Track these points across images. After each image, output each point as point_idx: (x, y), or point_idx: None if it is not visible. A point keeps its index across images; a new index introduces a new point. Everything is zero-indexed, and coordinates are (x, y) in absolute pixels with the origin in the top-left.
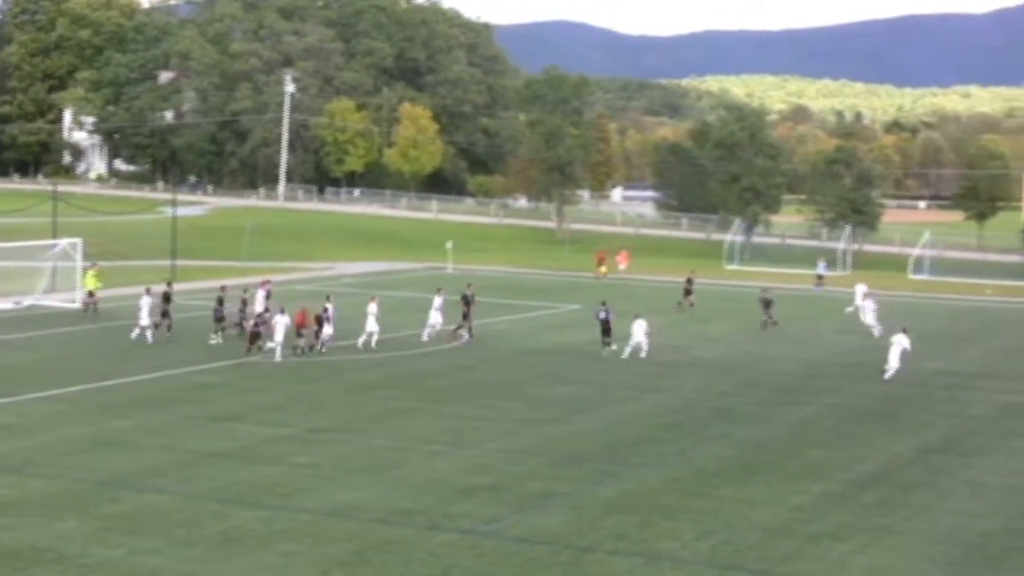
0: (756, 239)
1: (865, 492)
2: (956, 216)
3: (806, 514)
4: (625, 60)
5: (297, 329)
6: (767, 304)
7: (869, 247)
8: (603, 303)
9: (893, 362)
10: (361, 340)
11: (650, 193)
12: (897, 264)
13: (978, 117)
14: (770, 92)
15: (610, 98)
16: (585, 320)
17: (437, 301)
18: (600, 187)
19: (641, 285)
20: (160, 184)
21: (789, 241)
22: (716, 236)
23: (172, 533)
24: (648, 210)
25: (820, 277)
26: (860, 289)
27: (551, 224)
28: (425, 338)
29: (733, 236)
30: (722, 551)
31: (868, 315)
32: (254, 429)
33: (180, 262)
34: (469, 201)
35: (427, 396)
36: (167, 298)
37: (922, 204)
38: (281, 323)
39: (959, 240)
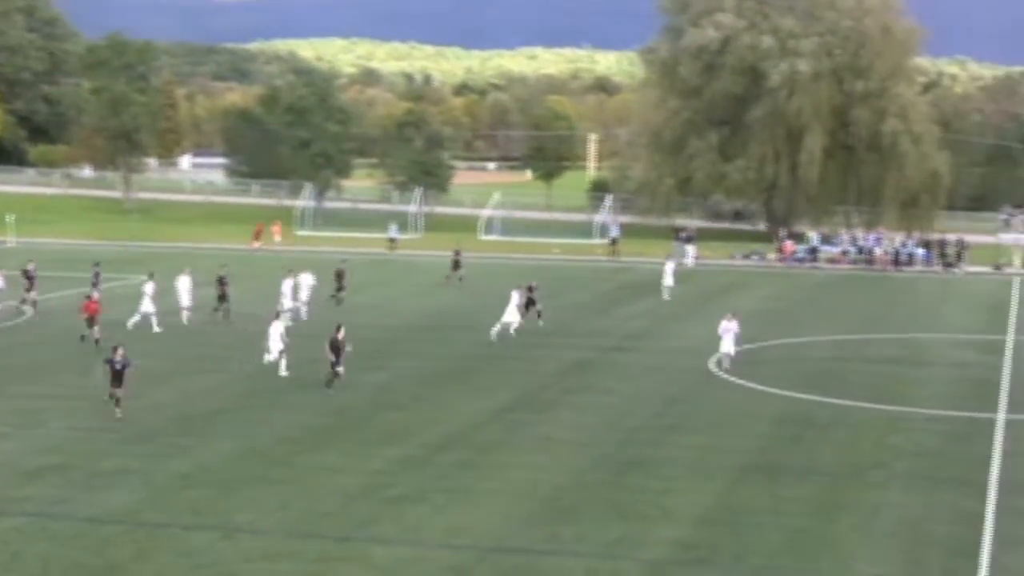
0: (328, 204)
1: (442, 454)
2: (525, 177)
3: (384, 478)
4: (191, 24)
5: None
6: (340, 276)
7: (441, 209)
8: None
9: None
10: None
11: (220, 160)
12: (468, 226)
13: (544, 79)
14: (339, 55)
15: (177, 63)
16: (164, 290)
17: None
18: (168, 155)
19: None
20: None
21: (361, 205)
22: (288, 202)
23: None
24: (218, 177)
25: (392, 240)
26: (669, 267)
27: (118, 194)
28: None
29: (304, 202)
30: (301, 520)
31: (667, 277)
32: None
33: None
34: (30, 172)
35: None
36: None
37: (492, 165)
38: None
39: (528, 200)
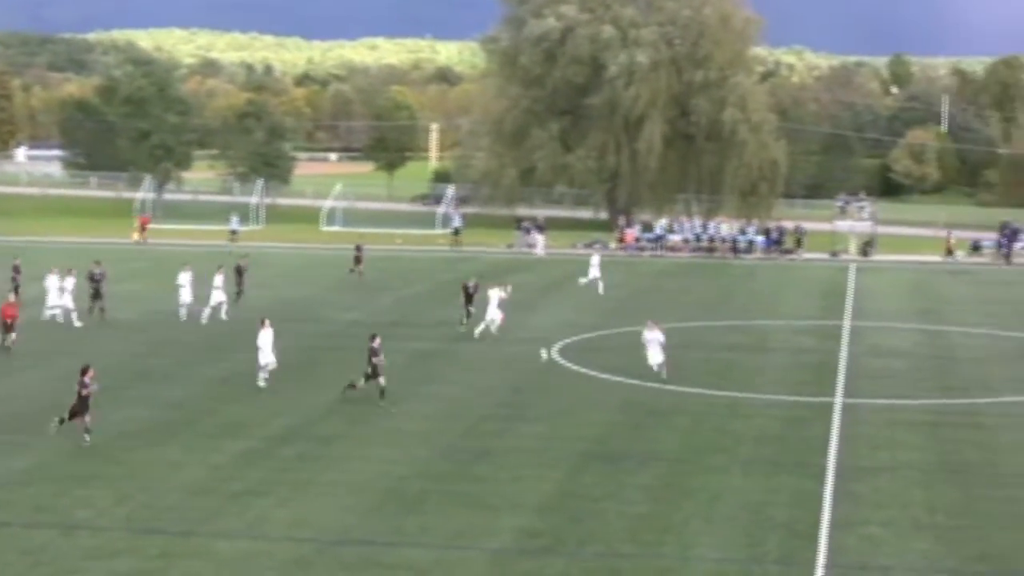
0: (168, 196)
1: (285, 446)
2: (366, 167)
3: (226, 472)
4: (26, 13)
5: None
6: (240, 272)
7: (282, 200)
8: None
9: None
10: None
11: (57, 152)
12: (310, 217)
13: (386, 69)
14: (179, 46)
15: (12, 54)
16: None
17: None
18: (3, 147)
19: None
20: None
21: (202, 197)
22: (127, 194)
23: None
24: (55, 169)
25: (234, 232)
26: (595, 260)
27: None
28: None
29: (144, 194)
30: (140, 515)
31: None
32: None
33: None
34: None
35: None
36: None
37: (333, 156)
38: None
39: (370, 191)
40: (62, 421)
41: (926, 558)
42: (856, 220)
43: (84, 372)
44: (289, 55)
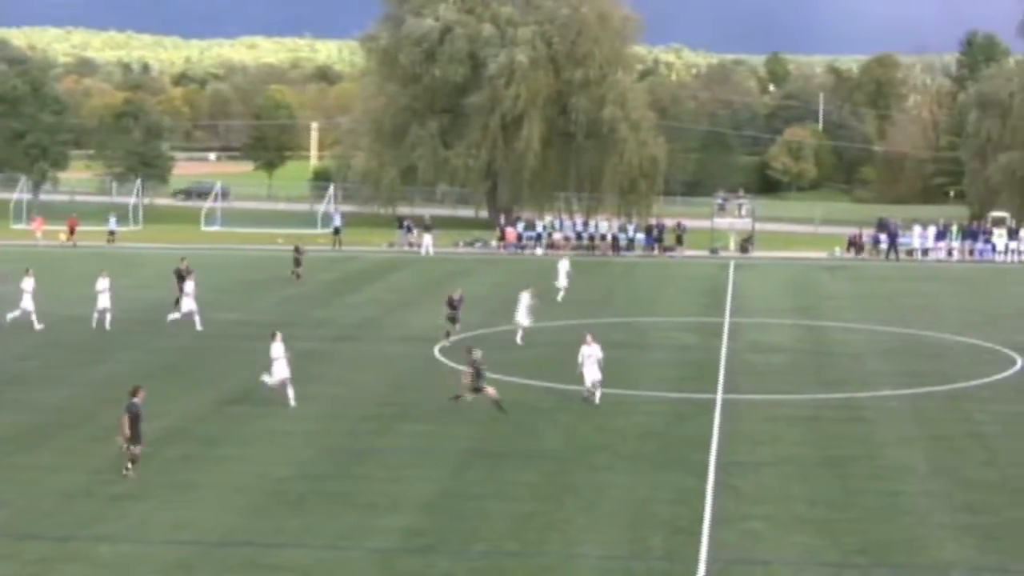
0: (44, 197)
1: (165, 448)
2: (246, 166)
3: (106, 476)
4: None
5: None
6: (180, 276)
7: (160, 200)
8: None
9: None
10: None
11: None
12: (190, 217)
13: (265, 68)
14: (54, 44)
15: None
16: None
17: None
18: None
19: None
20: None
21: (79, 198)
22: (2, 195)
23: None
24: None
25: (112, 233)
26: (563, 266)
27: None
28: None
29: (19, 195)
30: (18, 520)
31: (561, 278)
32: None
33: None
34: None
35: None
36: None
37: (213, 156)
38: None
39: (250, 191)
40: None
41: (807, 551)
42: (735, 217)
43: (135, 392)
44: (166, 54)
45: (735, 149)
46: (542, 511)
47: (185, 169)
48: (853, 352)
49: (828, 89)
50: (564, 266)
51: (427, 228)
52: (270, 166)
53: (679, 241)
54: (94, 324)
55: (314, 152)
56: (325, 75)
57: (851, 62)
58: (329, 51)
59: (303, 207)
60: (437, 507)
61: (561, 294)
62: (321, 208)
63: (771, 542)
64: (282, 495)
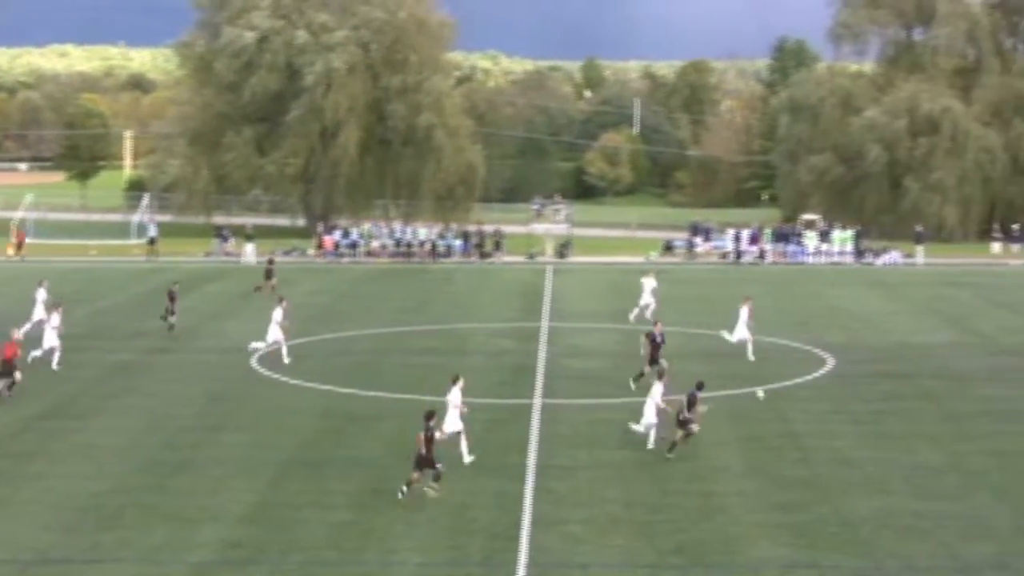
0: None
1: None
2: (59, 177)
3: None
4: None
5: None
6: (172, 298)
7: None
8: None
9: None
10: None
11: None
12: None
13: (77, 76)
14: None
15: None
16: None
17: None
18: None
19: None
20: None
21: None
22: None
23: None
24: None
25: None
26: (648, 283)
27: None
28: None
29: None
30: None
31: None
32: None
33: None
34: None
35: None
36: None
37: (23, 166)
38: None
39: (62, 201)
40: None
41: (624, 553)
42: (552, 223)
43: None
44: None
45: (552, 155)
46: (361, 519)
47: None
48: (668, 355)
49: (644, 95)
50: (650, 283)
51: (248, 237)
52: (83, 176)
53: (497, 247)
54: None
55: (128, 161)
56: (139, 83)
57: (666, 67)
58: (143, 59)
59: (117, 217)
60: (256, 518)
61: (650, 311)
62: (135, 218)
63: (589, 545)
64: (98, 510)
